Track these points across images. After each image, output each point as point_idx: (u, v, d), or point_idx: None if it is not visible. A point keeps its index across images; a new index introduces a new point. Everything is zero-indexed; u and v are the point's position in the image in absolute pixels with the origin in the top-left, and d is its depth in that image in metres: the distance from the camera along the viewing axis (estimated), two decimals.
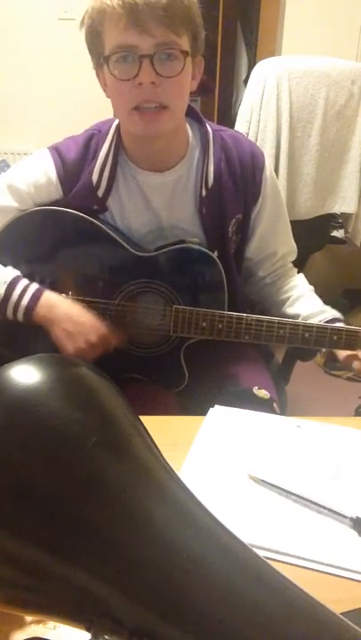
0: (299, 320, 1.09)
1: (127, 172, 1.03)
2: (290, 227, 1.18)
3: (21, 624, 0.49)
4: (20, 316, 1.00)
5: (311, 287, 1.17)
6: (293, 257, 1.20)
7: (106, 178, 1.02)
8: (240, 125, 2.06)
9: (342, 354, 1.04)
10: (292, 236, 1.19)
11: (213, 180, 1.03)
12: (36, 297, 0.99)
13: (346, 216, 2.26)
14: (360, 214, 2.22)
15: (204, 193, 1.03)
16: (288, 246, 1.18)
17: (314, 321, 1.07)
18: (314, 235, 2.24)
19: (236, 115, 2.17)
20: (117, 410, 0.39)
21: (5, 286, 0.99)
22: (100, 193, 1.03)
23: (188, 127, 1.05)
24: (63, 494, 0.34)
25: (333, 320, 1.07)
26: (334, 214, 2.27)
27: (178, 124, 0.99)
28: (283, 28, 2.68)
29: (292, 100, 1.96)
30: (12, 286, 1.00)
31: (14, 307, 0.99)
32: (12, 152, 2.86)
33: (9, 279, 1.00)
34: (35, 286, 1.00)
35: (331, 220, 2.35)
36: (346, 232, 2.33)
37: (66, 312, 0.99)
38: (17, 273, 1.02)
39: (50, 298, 1.00)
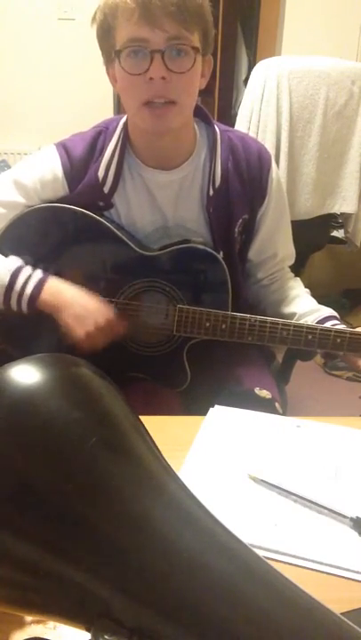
0: (294, 318, 1.09)
1: (133, 170, 1.03)
2: (290, 229, 1.18)
3: (21, 624, 0.49)
4: (23, 304, 0.99)
5: (307, 290, 1.17)
6: (291, 261, 1.20)
7: (112, 174, 1.02)
8: (240, 125, 2.06)
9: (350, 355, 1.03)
10: (292, 239, 1.19)
11: (221, 179, 1.03)
12: (40, 284, 0.98)
13: (346, 216, 2.26)
14: (360, 214, 2.22)
15: (211, 192, 1.03)
16: (288, 249, 1.18)
17: (310, 319, 1.08)
18: (314, 235, 2.25)
19: (236, 115, 2.17)
20: (117, 410, 0.39)
21: (9, 274, 0.99)
22: (106, 189, 1.02)
23: (195, 127, 1.05)
24: (63, 494, 0.34)
25: (329, 317, 1.07)
26: (334, 214, 2.27)
27: (186, 122, 0.99)
28: (283, 28, 2.68)
29: (292, 100, 1.97)
30: (15, 275, 0.99)
31: (18, 295, 0.99)
32: (11, 152, 2.86)
33: (13, 268, 1.00)
34: (38, 274, 1.00)
35: (331, 220, 2.35)
36: (346, 232, 2.33)
37: (72, 297, 0.98)
38: (20, 262, 1.02)
39: (54, 284, 0.99)
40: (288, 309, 1.12)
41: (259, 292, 1.19)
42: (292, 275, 1.21)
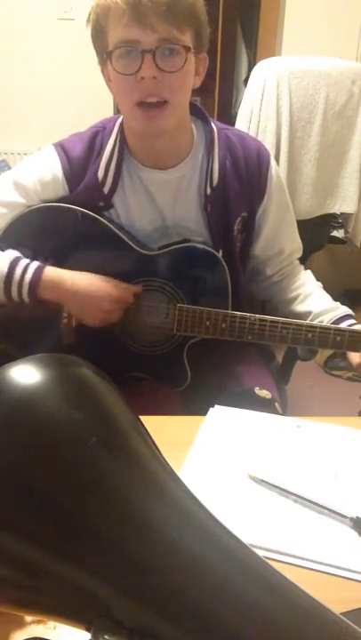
0: (310, 317, 1.09)
1: (132, 170, 1.04)
2: (296, 224, 1.18)
3: (21, 624, 0.49)
4: (24, 292, 0.99)
5: (319, 283, 1.17)
6: (300, 254, 1.20)
7: (111, 175, 1.02)
8: (240, 125, 2.05)
9: (350, 354, 1.03)
10: (297, 233, 1.19)
11: (218, 178, 1.03)
12: (39, 270, 0.99)
13: (346, 216, 2.26)
14: (360, 214, 2.22)
15: (209, 191, 1.03)
16: (294, 244, 1.18)
17: (326, 318, 1.08)
18: (314, 235, 2.24)
19: (236, 115, 2.17)
20: (117, 410, 0.39)
21: (8, 264, 0.99)
22: (106, 189, 1.03)
23: (192, 126, 1.05)
24: (63, 494, 0.34)
25: (346, 317, 1.08)
26: (334, 214, 2.27)
27: (180, 121, 0.99)
28: (283, 27, 2.68)
29: (292, 100, 1.96)
30: (14, 264, 0.99)
31: (18, 284, 0.99)
32: (12, 152, 2.86)
33: (11, 258, 1.00)
34: (36, 263, 1.00)
35: (331, 220, 2.35)
36: (346, 232, 2.33)
37: (72, 289, 0.98)
38: (18, 253, 1.02)
39: (53, 275, 0.99)
40: (303, 307, 1.12)
41: (269, 288, 1.19)
42: (302, 268, 1.20)
